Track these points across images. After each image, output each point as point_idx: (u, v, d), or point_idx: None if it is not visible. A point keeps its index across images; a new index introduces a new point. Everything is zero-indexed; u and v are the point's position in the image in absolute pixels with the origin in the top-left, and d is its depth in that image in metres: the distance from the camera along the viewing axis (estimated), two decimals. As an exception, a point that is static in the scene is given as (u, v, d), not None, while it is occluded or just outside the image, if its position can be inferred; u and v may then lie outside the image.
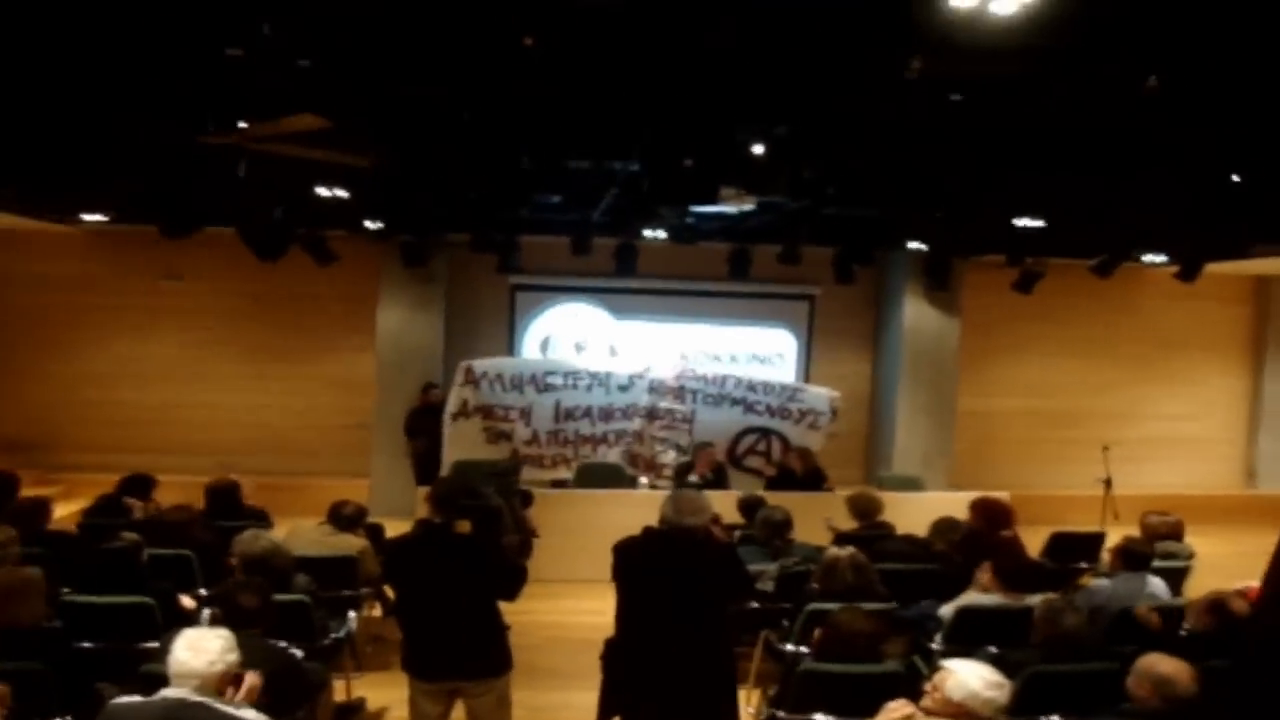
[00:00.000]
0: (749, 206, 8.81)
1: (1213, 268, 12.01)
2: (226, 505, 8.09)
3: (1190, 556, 7.81)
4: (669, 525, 4.74)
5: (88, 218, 12.14)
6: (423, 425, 12.24)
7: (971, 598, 6.17)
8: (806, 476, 10.88)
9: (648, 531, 4.84)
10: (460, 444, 11.23)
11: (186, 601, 6.17)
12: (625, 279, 12.84)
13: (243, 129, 6.37)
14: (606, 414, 11.74)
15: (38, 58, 5.67)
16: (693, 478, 10.51)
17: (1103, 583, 6.77)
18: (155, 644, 4.81)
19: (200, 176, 8.20)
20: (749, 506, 8.24)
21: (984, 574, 6.24)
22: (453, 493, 5.18)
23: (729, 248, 12.29)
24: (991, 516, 7.66)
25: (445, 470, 10.62)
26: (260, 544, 6.00)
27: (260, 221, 10.60)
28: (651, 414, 11.77)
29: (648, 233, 11.81)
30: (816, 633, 5.28)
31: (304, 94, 5.88)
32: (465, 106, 6.46)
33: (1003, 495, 8.77)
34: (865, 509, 8.11)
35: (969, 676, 3.97)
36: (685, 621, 4.67)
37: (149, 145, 7.48)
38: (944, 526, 7.53)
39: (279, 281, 13.13)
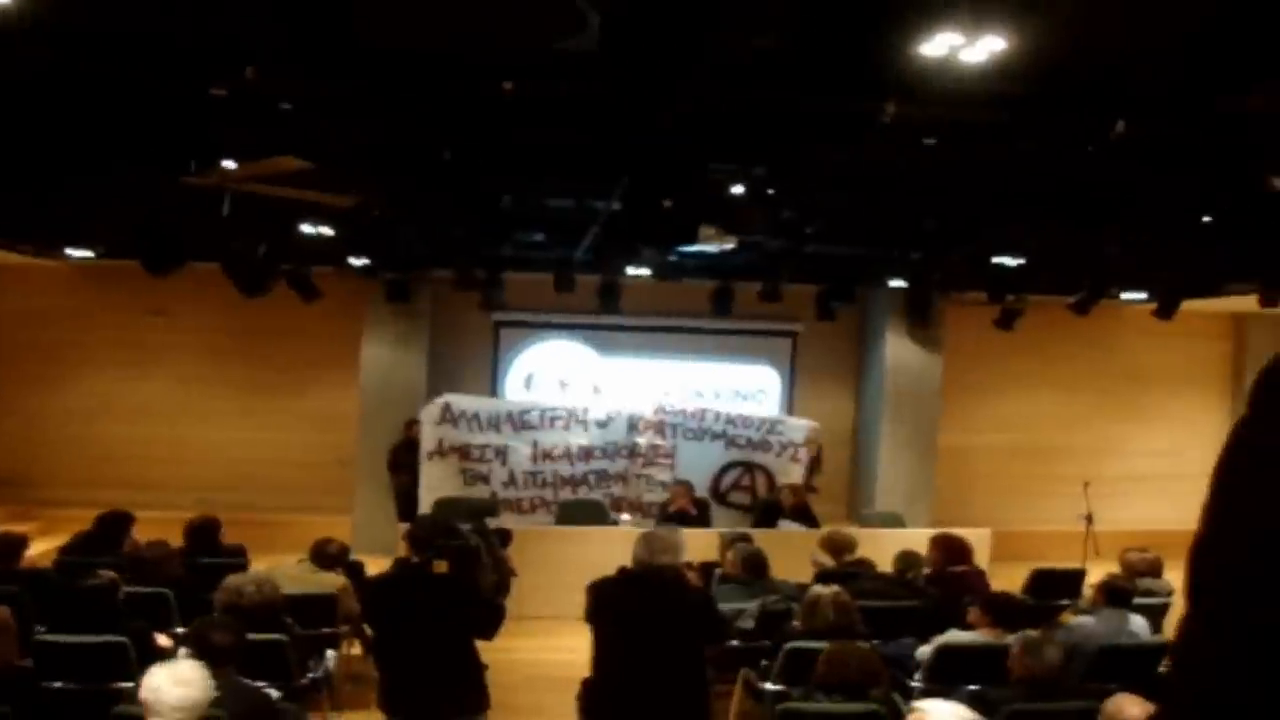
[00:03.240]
0: (729, 246, 8.88)
1: (1190, 305, 12.12)
2: (206, 542, 8.06)
3: (1170, 593, 7.84)
4: (641, 565, 4.76)
5: (73, 253, 12.15)
6: (405, 460, 12.20)
7: (951, 636, 6.18)
8: (794, 512, 10.88)
9: (622, 572, 4.85)
10: (437, 484, 11.20)
11: (163, 640, 6.13)
12: (609, 316, 12.84)
13: (226, 169, 6.41)
14: (586, 453, 11.71)
15: (25, 96, 5.71)
16: (672, 511, 10.52)
17: (1084, 620, 6.78)
18: (129, 684, 4.78)
19: (185, 213, 8.23)
20: (730, 544, 8.24)
21: (974, 613, 6.26)
22: (430, 532, 5.20)
23: (712, 285, 12.36)
24: (950, 552, 7.74)
25: (424, 508, 10.61)
26: (247, 591, 5.91)
27: (244, 258, 10.63)
28: (633, 452, 11.76)
29: (631, 270, 11.87)
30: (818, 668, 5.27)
31: (286, 135, 5.93)
32: (446, 147, 6.52)
33: (983, 531, 8.82)
34: (838, 546, 8.12)
35: (936, 715, 3.99)
36: (660, 661, 4.68)
37: (134, 182, 7.52)
38: (910, 560, 7.57)
39: (263, 317, 13.09)
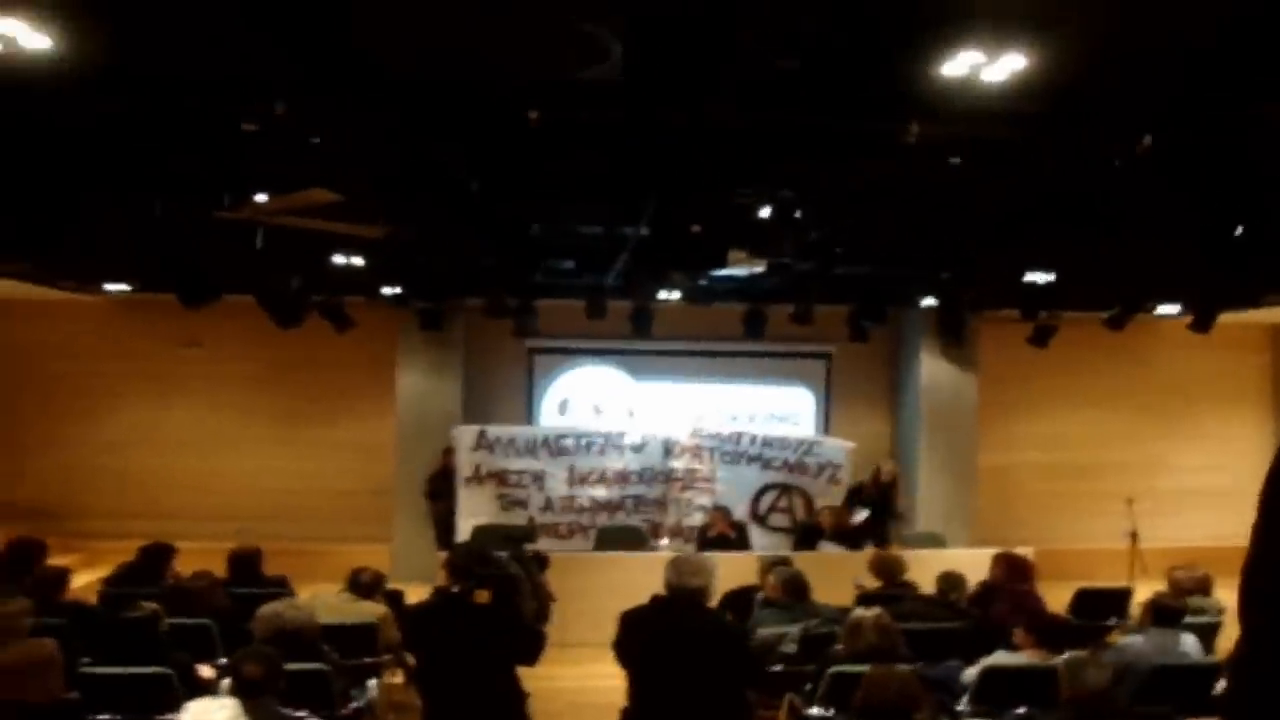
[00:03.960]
0: (759, 269, 8.87)
1: (1227, 317, 11.98)
2: (248, 572, 8.10)
3: (1221, 612, 7.70)
4: (671, 589, 4.75)
5: (109, 287, 12.32)
6: (443, 488, 12.24)
7: (998, 658, 6.10)
8: (834, 534, 10.83)
9: (654, 600, 4.84)
10: (474, 510, 11.25)
11: (205, 671, 6.16)
12: (641, 340, 12.85)
13: (257, 203, 6.49)
14: (622, 477, 11.72)
15: (61, 134, 5.81)
16: (712, 535, 10.50)
17: (1133, 639, 6.67)
18: (173, 715, 4.80)
19: (218, 247, 8.33)
20: (770, 567, 8.20)
21: (1019, 634, 6.19)
22: (469, 560, 5.19)
23: (744, 308, 12.34)
24: (1013, 570, 7.67)
25: (461, 534, 10.62)
26: (285, 615, 5.96)
27: (278, 289, 10.73)
28: (670, 476, 11.74)
29: (662, 294, 11.89)
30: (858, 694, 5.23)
31: (317, 168, 5.99)
32: (474, 176, 6.57)
33: (1026, 550, 8.72)
34: (888, 569, 8.08)
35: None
36: (696, 685, 4.66)
37: (168, 217, 7.62)
38: (952, 581, 7.50)
39: (298, 348, 13.19)
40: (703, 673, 4.68)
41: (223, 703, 3.99)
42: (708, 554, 5.09)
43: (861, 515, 11.35)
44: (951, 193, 6.83)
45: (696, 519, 11.56)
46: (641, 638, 4.77)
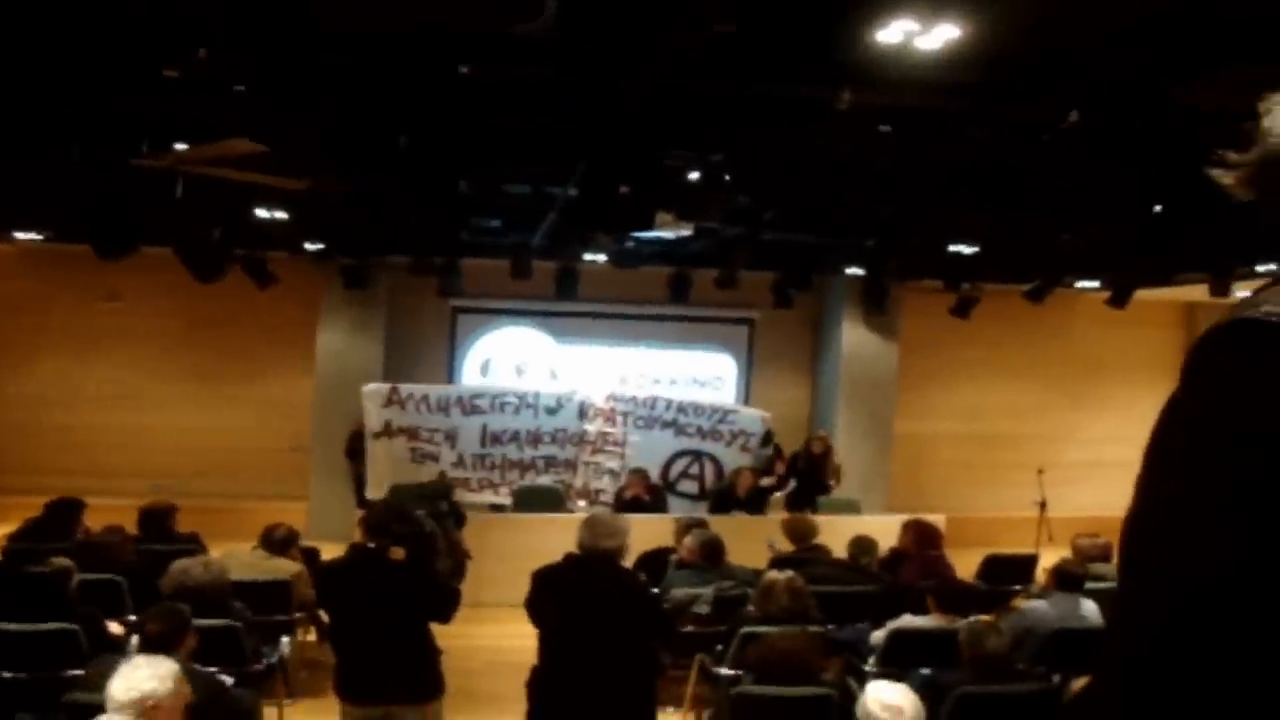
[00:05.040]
0: (686, 232, 8.89)
1: (1142, 294, 12.28)
2: (160, 529, 7.99)
3: (1119, 578, 7.94)
4: (585, 549, 4.77)
5: (21, 236, 11.95)
6: (362, 447, 12.14)
7: (905, 621, 6.24)
8: (749, 498, 10.96)
9: (568, 558, 4.86)
10: (383, 464, 11.27)
11: (115, 628, 6.08)
12: (566, 302, 12.86)
13: (178, 152, 6.34)
14: (535, 438, 11.77)
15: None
16: (628, 498, 10.56)
17: (1036, 604, 6.86)
18: (80, 672, 4.73)
19: (137, 196, 8.13)
20: (686, 529, 8.27)
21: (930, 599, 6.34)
22: (386, 519, 5.17)
23: (669, 272, 12.38)
24: (923, 536, 7.85)
25: (372, 488, 10.60)
26: (192, 572, 5.91)
27: (198, 242, 10.50)
28: (583, 439, 11.79)
29: (588, 256, 11.86)
30: (749, 651, 5.32)
31: (239, 118, 5.87)
32: (402, 131, 6.48)
33: (938, 518, 8.91)
34: (801, 532, 8.19)
35: (867, 699, 4.05)
36: (605, 645, 4.70)
37: (85, 164, 7.41)
38: (863, 545, 7.66)
39: (218, 303, 12.96)
40: (614, 631, 4.73)
41: (153, 659, 3.93)
42: (622, 515, 5.11)
43: (789, 486, 11.48)
44: (880, 162, 6.89)
45: (604, 482, 11.67)
46: (554, 596, 4.79)
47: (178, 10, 4.73)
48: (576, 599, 4.76)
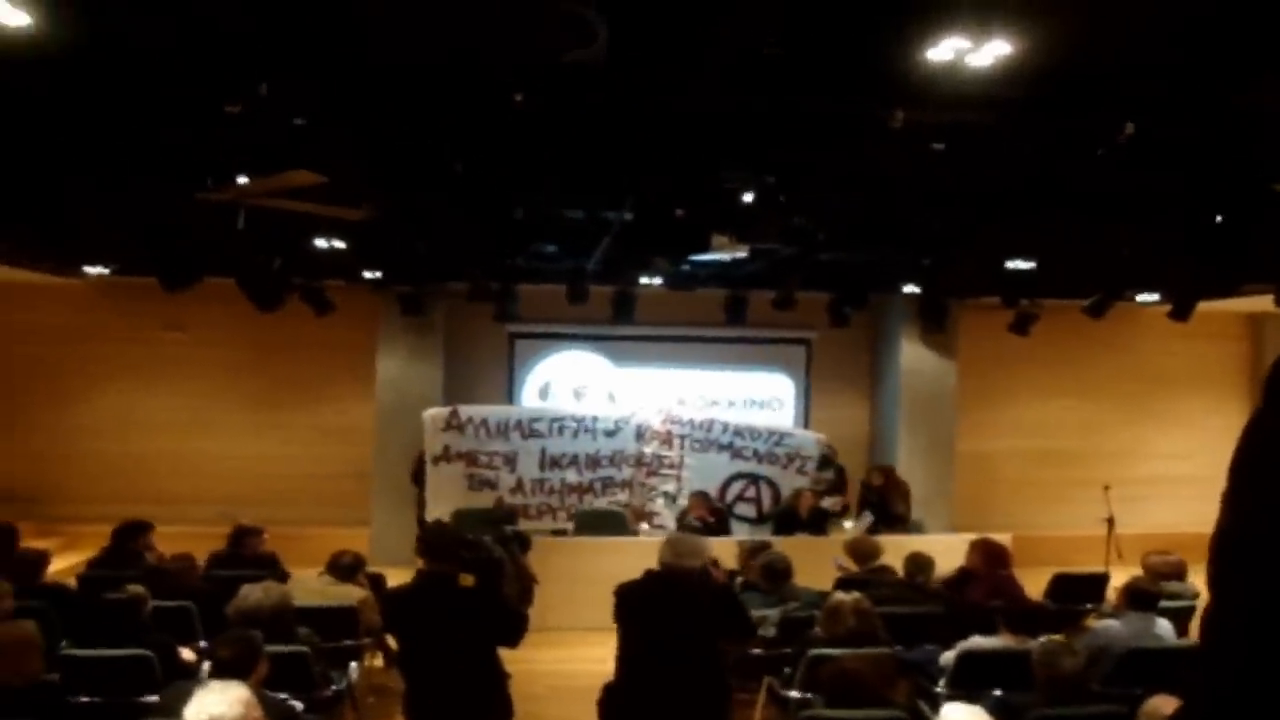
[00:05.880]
0: (741, 254, 8.89)
1: (1205, 306, 12.06)
2: (245, 547, 8.23)
3: (1195, 596, 7.77)
4: (667, 567, 4.78)
5: (90, 270, 12.24)
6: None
7: (975, 642, 6.16)
8: (811, 519, 10.90)
9: (648, 574, 4.88)
10: (442, 489, 11.32)
11: (187, 654, 6.16)
12: (622, 326, 12.87)
13: (240, 185, 6.46)
14: (593, 461, 11.80)
15: (42, 114, 5.77)
16: (692, 521, 10.53)
17: (1109, 623, 6.73)
18: (154, 698, 4.80)
19: (200, 229, 8.29)
20: (751, 552, 8.24)
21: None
22: (447, 542, 5.19)
23: (725, 294, 12.37)
24: (990, 555, 7.73)
25: (430, 513, 10.68)
26: (254, 597, 5.98)
27: (259, 272, 10.69)
28: (639, 461, 11.80)
29: (644, 280, 11.90)
30: (818, 673, 5.27)
31: (300, 150, 5.97)
32: (457, 159, 6.55)
33: (1003, 536, 8.78)
34: (864, 553, 8.12)
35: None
36: (682, 663, 4.70)
37: (150, 199, 7.58)
38: (920, 563, 7.56)
39: (278, 331, 13.17)
40: (693, 647, 4.73)
41: (224, 685, 3.99)
42: (702, 537, 5.13)
43: (866, 520, 11.35)
44: (935, 179, 6.85)
45: (659, 505, 11.68)
46: (637, 609, 4.83)
47: (239, 45, 4.83)
48: (655, 613, 4.78)
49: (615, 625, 4.91)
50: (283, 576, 7.65)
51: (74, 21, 4.38)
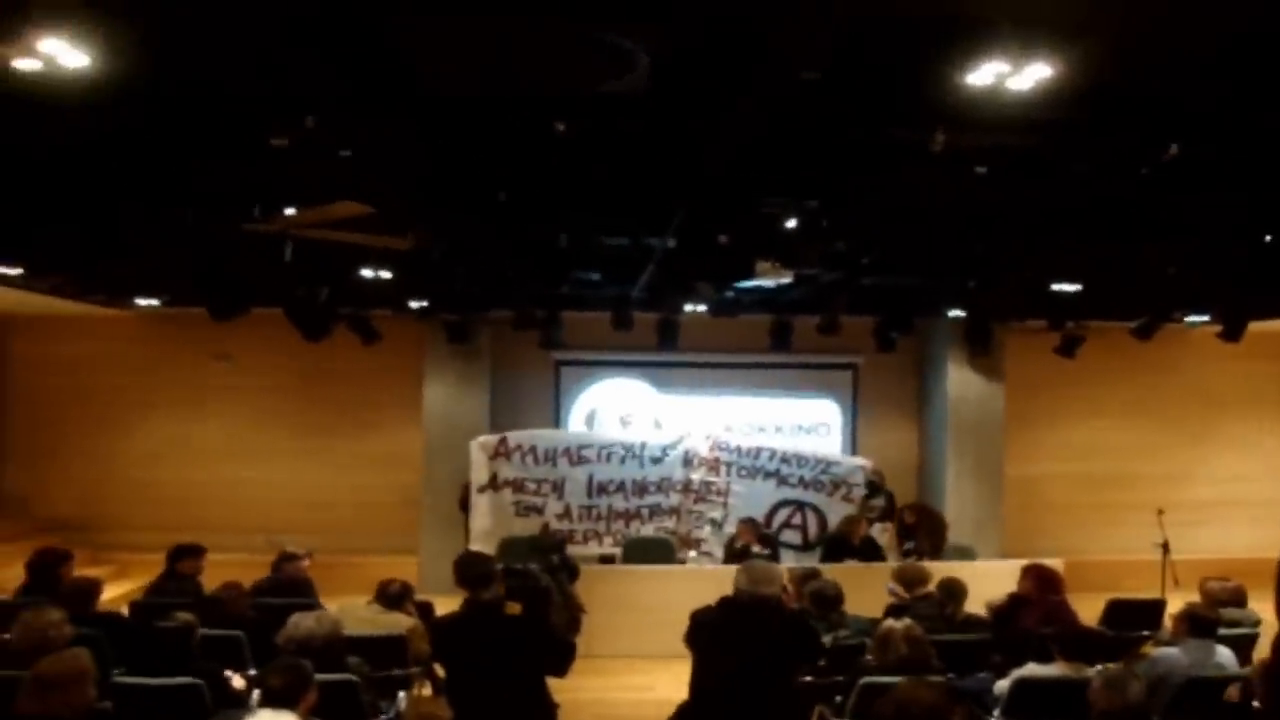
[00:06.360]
0: (785, 279, 8.87)
1: (1256, 326, 11.88)
2: (277, 578, 8.27)
3: (1256, 624, 7.58)
4: (744, 594, 4.79)
5: (140, 302, 12.43)
6: (471, 499, 12.29)
7: (1030, 670, 6.05)
8: (863, 546, 10.81)
9: (723, 600, 4.89)
10: (486, 517, 11.37)
11: (237, 682, 6.18)
12: (667, 352, 12.87)
13: (287, 216, 6.54)
14: (640, 488, 11.78)
15: (93, 148, 5.87)
16: (756, 549, 10.46)
17: (1168, 651, 6.57)
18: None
19: (248, 260, 8.40)
20: (800, 579, 8.17)
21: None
22: (480, 571, 5.20)
23: (769, 320, 12.35)
24: (1043, 581, 7.60)
25: (474, 543, 10.75)
26: (307, 625, 5.98)
27: (306, 302, 10.80)
28: (686, 487, 11.78)
29: (688, 306, 11.90)
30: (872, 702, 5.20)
31: (346, 181, 6.04)
32: (501, 188, 6.60)
33: (1055, 561, 8.65)
34: (911, 579, 8.02)
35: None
36: (757, 690, 4.70)
37: (198, 231, 7.68)
38: (951, 591, 7.43)
39: (325, 360, 13.27)
40: (766, 673, 4.75)
41: (279, 714, 4.01)
42: (775, 564, 5.15)
43: (705, 530, 11.43)
44: (978, 202, 6.81)
45: (705, 532, 11.65)
46: (712, 634, 4.87)
47: (285, 80, 4.89)
48: (729, 638, 4.80)
49: (687, 647, 4.91)
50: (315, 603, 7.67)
51: (128, 60, 4.46)
